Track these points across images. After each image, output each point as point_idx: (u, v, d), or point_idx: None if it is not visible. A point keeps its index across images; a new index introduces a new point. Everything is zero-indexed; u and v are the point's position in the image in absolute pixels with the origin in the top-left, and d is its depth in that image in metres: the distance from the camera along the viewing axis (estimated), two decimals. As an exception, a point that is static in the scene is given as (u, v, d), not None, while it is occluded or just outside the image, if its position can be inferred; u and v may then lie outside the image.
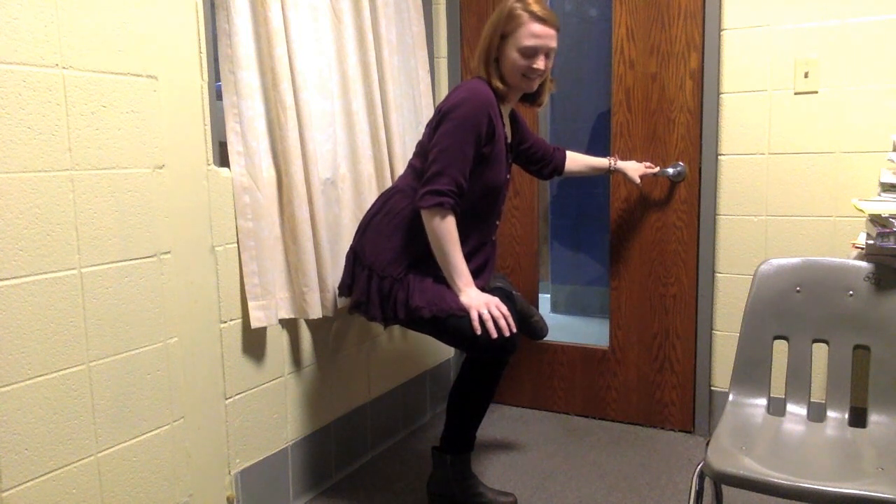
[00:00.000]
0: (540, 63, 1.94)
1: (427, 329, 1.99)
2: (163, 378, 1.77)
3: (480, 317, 1.86)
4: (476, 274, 1.99)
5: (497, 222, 2.14)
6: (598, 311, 3.82)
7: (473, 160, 1.91)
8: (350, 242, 2.30)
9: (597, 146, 3.52)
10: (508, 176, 2.11)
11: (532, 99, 2.11)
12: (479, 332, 1.85)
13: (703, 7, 2.52)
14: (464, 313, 1.88)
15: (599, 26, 3.35)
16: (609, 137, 2.75)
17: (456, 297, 1.91)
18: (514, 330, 1.89)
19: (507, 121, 2.08)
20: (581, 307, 3.98)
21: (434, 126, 1.94)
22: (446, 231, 1.88)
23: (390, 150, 2.44)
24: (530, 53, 1.92)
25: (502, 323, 1.87)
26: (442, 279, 1.95)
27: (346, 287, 2.09)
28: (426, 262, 1.96)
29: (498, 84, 1.95)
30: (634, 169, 2.53)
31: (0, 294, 1.42)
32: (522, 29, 1.90)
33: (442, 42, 2.95)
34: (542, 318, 2.42)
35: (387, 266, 1.97)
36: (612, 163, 2.52)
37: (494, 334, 1.85)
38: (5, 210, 1.42)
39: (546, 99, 2.12)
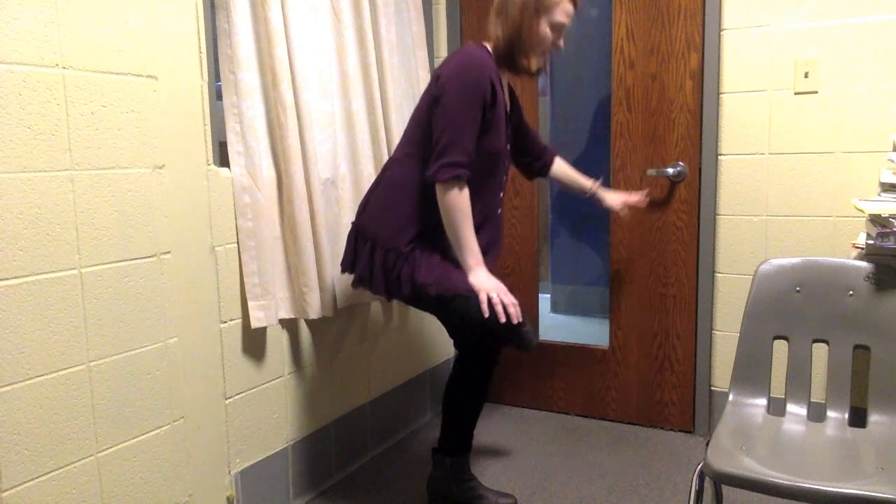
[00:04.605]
0: (562, 39, 1.98)
1: (430, 307, 1.96)
2: (163, 378, 1.77)
3: (490, 300, 1.82)
4: (482, 253, 1.93)
5: (500, 194, 2.08)
6: (598, 311, 3.82)
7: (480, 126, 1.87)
8: (350, 242, 2.30)
9: (597, 139, 3.52)
10: (508, 146, 2.07)
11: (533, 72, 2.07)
12: (486, 314, 1.81)
13: (703, 7, 2.52)
14: (471, 294, 1.83)
15: (599, 26, 3.35)
16: (608, 134, 2.75)
17: (463, 277, 1.86)
18: (521, 319, 1.86)
19: (506, 90, 2.04)
20: (581, 307, 3.98)
21: (435, 94, 1.89)
22: (462, 204, 1.84)
23: (390, 150, 2.44)
24: (559, 29, 1.95)
25: (512, 311, 1.83)
26: (449, 257, 1.91)
27: (348, 263, 2.04)
28: (432, 237, 1.92)
29: (522, 57, 1.94)
30: (615, 198, 2.38)
31: (0, 294, 1.42)
32: (559, 7, 1.92)
33: (442, 42, 2.95)
34: (532, 329, 2.37)
35: (390, 238, 1.92)
36: (594, 186, 2.37)
37: (503, 318, 1.81)
38: (5, 210, 1.42)
39: (545, 72, 2.08)
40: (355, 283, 2.03)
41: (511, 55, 1.94)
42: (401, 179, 1.95)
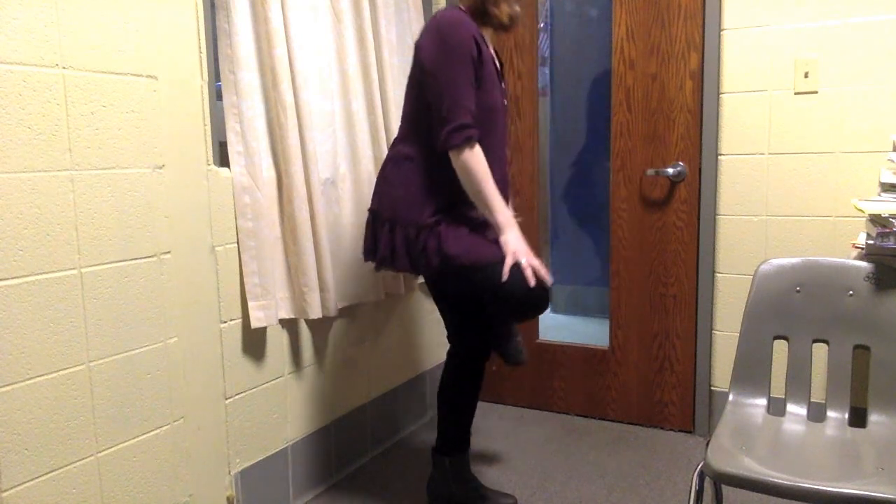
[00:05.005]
0: None
1: (456, 281, 1.92)
2: (163, 378, 1.77)
3: (518, 265, 1.79)
4: None
5: (506, 150, 2.05)
6: (598, 311, 3.82)
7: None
8: (350, 242, 2.30)
9: (597, 139, 3.52)
10: (506, 102, 2.04)
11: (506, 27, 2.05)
12: (505, 277, 1.78)
13: (703, 7, 2.52)
14: (502, 263, 1.81)
15: (599, 26, 3.35)
16: (608, 134, 2.75)
17: (493, 248, 1.84)
18: (549, 284, 1.84)
19: (491, 47, 2.00)
20: (581, 307, 3.98)
21: (420, 65, 1.87)
22: (478, 164, 1.82)
23: (390, 150, 2.44)
24: None
25: (542, 273, 1.81)
26: (478, 229, 1.89)
27: (368, 251, 2.01)
28: (454, 209, 1.90)
29: (493, 7, 1.92)
30: None
31: (0, 294, 1.42)
32: None
33: (442, 42, 2.94)
34: (521, 342, 2.29)
35: (408, 213, 1.89)
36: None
37: (532, 282, 1.79)
38: (5, 210, 1.42)
39: (517, 25, 2.06)
40: (378, 266, 1.99)
41: (483, 7, 1.92)
42: (407, 155, 1.94)
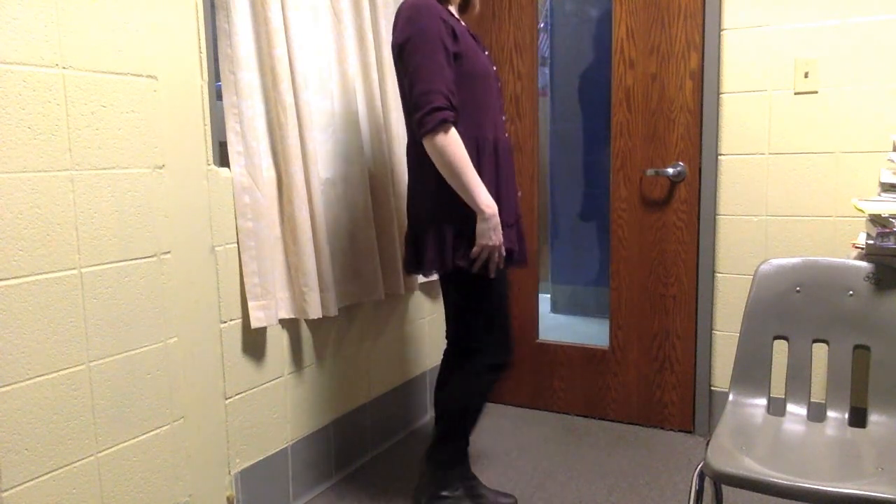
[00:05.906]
0: None
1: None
2: (163, 378, 1.77)
3: (488, 254, 1.83)
4: (506, 182, 1.91)
5: (503, 117, 2.01)
6: (598, 311, 3.82)
7: (452, 67, 1.81)
8: (348, 242, 2.30)
9: (597, 139, 3.52)
10: (495, 68, 1.99)
11: (463, 8, 2.06)
12: (484, 270, 1.85)
13: (703, 7, 2.52)
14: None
15: (599, 26, 3.35)
16: (608, 134, 2.75)
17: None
18: (501, 265, 1.88)
19: (465, 27, 1.98)
20: (581, 307, 3.98)
21: (396, 58, 1.86)
22: (454, 148, 1.75)
23: (390, 150, 2.44)
24: None
25: (491, 266, 1.84)
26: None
27: (412, 262, 1.97)
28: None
29: None
30: None
31: (0, 294, 1.42)
32: None
33: (442, 42, 2.94)
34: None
35: (450, 211, 1.85)
36: None
37: (475, 269, 1.85)
38: (5, 210, 1.42)
39: (477, 5, 2.08)
40: (427, 272, 1.96)
41: None
42: (417, 156, 1.92)
